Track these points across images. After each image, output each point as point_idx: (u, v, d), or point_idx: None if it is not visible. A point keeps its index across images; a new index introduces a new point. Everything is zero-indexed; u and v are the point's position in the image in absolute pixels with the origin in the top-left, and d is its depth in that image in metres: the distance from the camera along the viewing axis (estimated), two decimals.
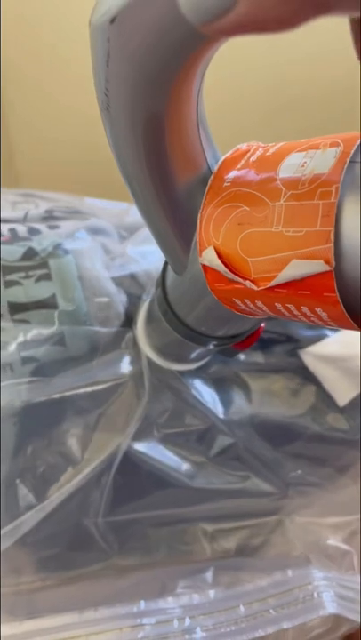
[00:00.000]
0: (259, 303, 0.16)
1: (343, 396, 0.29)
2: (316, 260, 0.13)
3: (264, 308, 0.16)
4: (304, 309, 0.14)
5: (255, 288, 0.15)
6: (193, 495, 0.27)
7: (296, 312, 0.15)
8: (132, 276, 0.28)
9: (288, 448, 0.29)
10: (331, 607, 0.27)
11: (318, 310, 0.14)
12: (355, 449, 0.30)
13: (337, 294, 0.13)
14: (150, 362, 0.28)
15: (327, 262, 0.13)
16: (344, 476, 0.30)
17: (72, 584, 0.28)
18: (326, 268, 0.13)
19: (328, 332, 0.30)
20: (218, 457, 0.28)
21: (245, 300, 0.16)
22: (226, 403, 0.29)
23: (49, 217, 0.29)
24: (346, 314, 0.13)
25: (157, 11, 0.11)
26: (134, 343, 0.28)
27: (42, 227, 0.27)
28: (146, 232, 0.31)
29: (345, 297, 0.13)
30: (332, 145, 0.14)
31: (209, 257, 0.16)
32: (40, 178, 0.72)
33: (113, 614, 0.27)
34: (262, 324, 0.25)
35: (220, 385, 0.29)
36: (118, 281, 0.28)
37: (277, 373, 0.29)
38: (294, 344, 0.30)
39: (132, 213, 0.37)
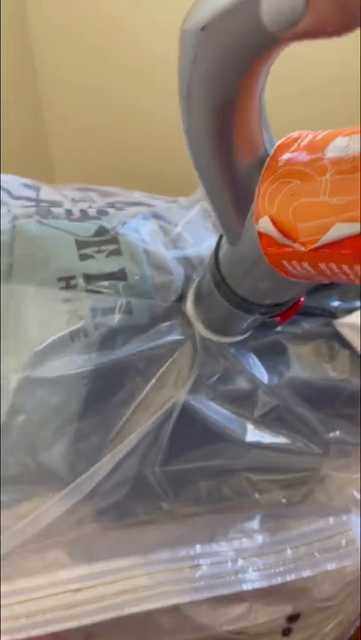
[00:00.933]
0: (305, 264, 0.19)
1: None
2: (355, 222, 0.16)
3: (309, 269, 0.19)
4: (344, 267, 0.17)
5: (303, 249, 0.18)
6: (241, 449, 0.30)
7: (337, 270, 0.18)
8: (187, 258, 0.32)
9: (328, 410, 0.32)
10: None
11: (357, 268, 0.17)
12: None
13: None
14: (200, 333, 0.31)
15: None
16: None
17: (130, 531, 0.31)
18: None
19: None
20: (262, 417, 0.32)
21: (293, 262, 0.19)
22: (268, 368, 0.32)
23: (112, 206, 0.33)
24: None
25: (242, 20, 0.14)
26: (186, 315, 0.32)
27: (109, 209, 0.31)
28: (193, 215, 0.35)
29: None
30: None
31: (264, 224, 0.19)
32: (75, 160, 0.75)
33: (173, 557, 0.30)
34: (301, 299, 0.28)
35: (262, 352, 0.32)
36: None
37: (315, 340, 0.32)
38: (330, 316, 0.33)
39: (176, 209, 0.41)
